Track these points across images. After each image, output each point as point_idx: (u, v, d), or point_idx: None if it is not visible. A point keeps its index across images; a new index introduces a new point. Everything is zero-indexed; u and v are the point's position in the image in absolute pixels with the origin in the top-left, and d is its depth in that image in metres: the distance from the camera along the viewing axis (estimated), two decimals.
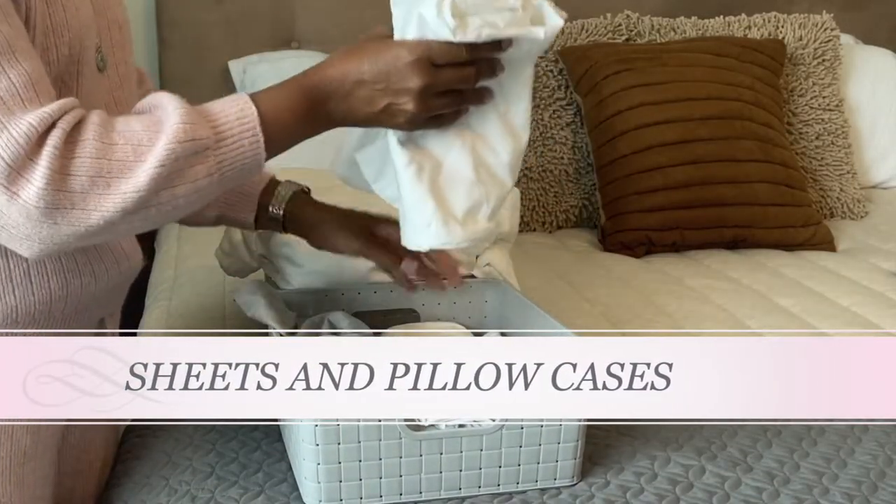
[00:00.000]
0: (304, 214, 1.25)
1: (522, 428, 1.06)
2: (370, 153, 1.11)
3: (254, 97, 0.94)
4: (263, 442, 1.19)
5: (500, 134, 1.07)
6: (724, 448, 1.19)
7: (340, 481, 1.04)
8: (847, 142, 2.33)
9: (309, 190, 1.28)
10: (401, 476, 1.05)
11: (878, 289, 1.81)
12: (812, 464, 1.16)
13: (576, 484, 1.10)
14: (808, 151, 2.30)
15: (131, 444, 1.24)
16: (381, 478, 1.04)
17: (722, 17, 2.37)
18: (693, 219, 2.02)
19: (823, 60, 2.34)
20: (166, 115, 0.90)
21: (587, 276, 1.86)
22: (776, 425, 1.25)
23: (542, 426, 1.07)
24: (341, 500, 1.04)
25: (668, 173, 2.03)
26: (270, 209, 1.24)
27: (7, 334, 1.03)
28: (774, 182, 2.06)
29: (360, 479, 1.04)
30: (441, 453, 1.05)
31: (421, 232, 1.04)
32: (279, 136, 0.95)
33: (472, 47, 0.97)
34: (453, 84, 0.98)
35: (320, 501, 1.04)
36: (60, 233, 0.87)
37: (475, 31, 0.96)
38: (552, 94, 2.20)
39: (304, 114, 0.96)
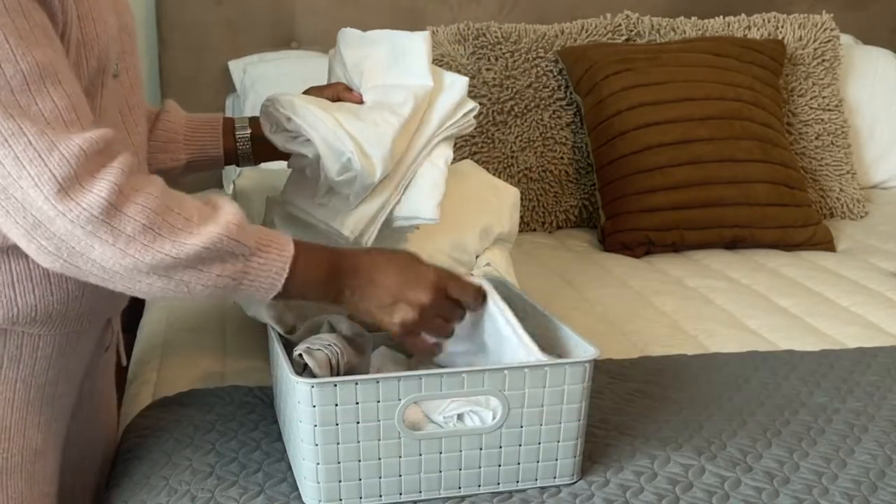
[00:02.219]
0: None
1: (522, 427, 1.06)
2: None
3: (296, 243, 1.00)
4: (263, 442, 1.19)
5: None
6: (723, 448, 1.19)
7: (340, 481, 1.04)
8: (847, 142, 2.33)
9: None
10: (400, 475, 1.05)
11: (877, 289, 1.81)
12: (812, 464, 1.16)
13: (576, 482, 1.10)
14: (807, 151, 2.30)
15: (131, 444, 1.24)
16: (380, 477, 1.05)
17: (722, 17, 2.37)
18: (693, 219, 2.02)
19: (823, 60, 2.34)
20: (223, 208, 0.96)
21: (587, 276, 1.86)
22: (776, 425, 1.25)
23: (541, 425, 1.07)
24: (341, 499, 1.05)
25: (668, 173, 2.03)
26: (237, 133, 1.30)
27: (25, 332, 1.04)
28: (774, 182, 2.06)
29: (360, 479, 1.04)
30: (440, 452, 1.05)
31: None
32: (298, 283, 1.00)
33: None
34: (447, 314, 1.08)
35: (320, 501, 1.04)
36: (88, 259, 0.90)
37: None
38: (552, 94, 2.20)
39: (323, 277, 1.02)
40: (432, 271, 1.07)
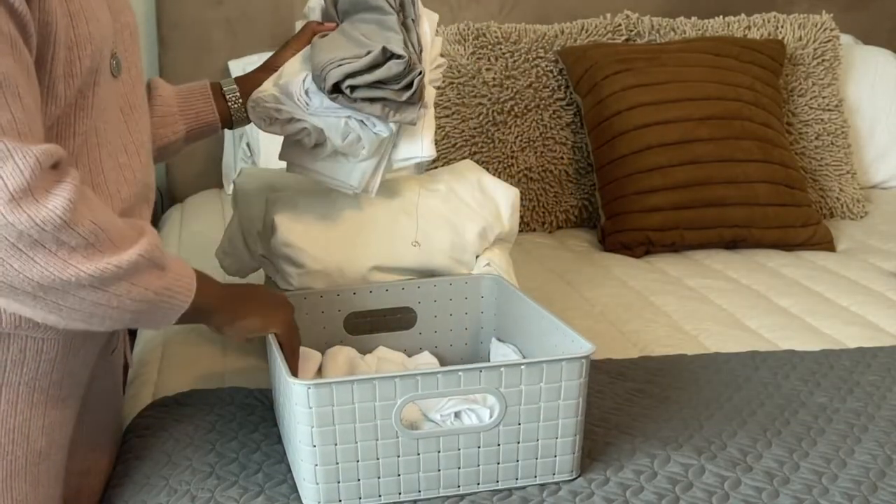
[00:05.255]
0: (254, 83, 1.33)
1: (520, 424, 1.06)
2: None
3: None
4: (263, 444, 1.19)
5: None
6: (724, 448, 1.19)
7: (338, 482, 1.04)
8: (847, 142, 2.33)
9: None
10: (399, 475, 1.05)
11: (877, 289, 1.81)
12: (812, 464, 1.16)
13: (575, 479, 1.11)
14: (807, 151, 2.30)
15: (131, 444, 1.24)
16: (378, 477, 1.05)
17: (722, 17, 2.37)
18: (693, 219, 2.02)
19: (823, 60, 2.34)
20: (144, 226, 1.01)
21: (587, 276, 1.86)
22: (776, 425, 1.25)
23: (539, 422, 1.07)
24: (340, 500, 1.05)
25: (667, 173, 2.03)
26: (226, 94, 1.34)
27: (29, 335, 1.03)
28: (774, 182, 2.06)
29: (358, 480, 1.04)
30: (438, 451, 1.05)
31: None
32: (198, 298, 1.05)
33: None
34: None
35: (319, 502, 1.05)
36: (27, 273, 0.88)
37: None
38: (552, 94, 2.20)
39: (214, 300, 1.10)
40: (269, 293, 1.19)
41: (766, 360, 1.45)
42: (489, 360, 1.33)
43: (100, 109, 1.02)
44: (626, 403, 1.30)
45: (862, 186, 2.41)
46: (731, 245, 2.05)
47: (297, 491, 1.09)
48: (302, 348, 1.27)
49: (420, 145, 1.29)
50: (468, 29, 2.20)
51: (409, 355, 1.34)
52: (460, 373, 1.03)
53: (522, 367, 1.04)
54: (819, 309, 1.70)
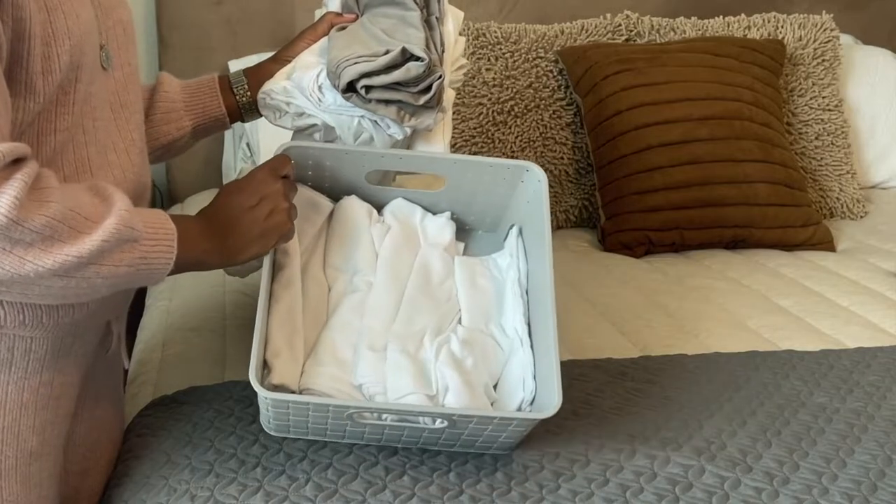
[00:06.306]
0: (266, 74, 1.30)
1: (464, 432, 1.10)
2: None
3: (171, 217, 1.01)
4: (261, 434, 1.19)
5: None
6: (723, 448, 1.19)
7: (289, 431, 1.12)
8: (846, 142, 2.33)
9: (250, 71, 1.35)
10: (344, 433, 1.13)
11: (877, 289, 1.81)
12: (811, 464, 1.16)
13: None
14: (807, 151, 2.30)
15: (131, 443, 1.24)
16: (326, 434, 1.13)
17: (722, 17, 2.37)
18: (693, 219, 2.02)
19: (823, 60, 2.34)
20: (113, 196, 0.95)
21: (587, 276, 1.86)
22: (776, 425, 1.25)
23: (479, 438, 1.10)
24: (289, 432, 1.13)
25: (668, 173, 2.03)
26: (234, 86, 1.31)
27: (16, 335, 1.03)
28: (774, 182, 2.06)
29: (307, 429, 1.12)
30: (384, 430, 1.11)
31: None
32: (183, 256, 1.00)
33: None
34: (289, 192, 1.12)
35: (270, 429, 1.14)
36: None
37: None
38: (552, 94, 2.20)
39: (200, 243, 1.05)
40: (256, 179, 1.10)
41: (766, 360, 1.45)
42: (503, 245, 1.30)
43: (89, 106, 1.01)
44: (626, 403, 1.30)
45: (862, 186, 2.41)
46: (732, 245, 2.05)
47: (295, 482, 1.11)
48: (313, 196, 1.25)
49: (435, 150, 1.23)
50: (468, 29, 2.20)
51: (430, 211, 1.30)
52: (417, 413, 1.07)
53: (474, 417, 1.06)
54: (819, 309, 1.70)
